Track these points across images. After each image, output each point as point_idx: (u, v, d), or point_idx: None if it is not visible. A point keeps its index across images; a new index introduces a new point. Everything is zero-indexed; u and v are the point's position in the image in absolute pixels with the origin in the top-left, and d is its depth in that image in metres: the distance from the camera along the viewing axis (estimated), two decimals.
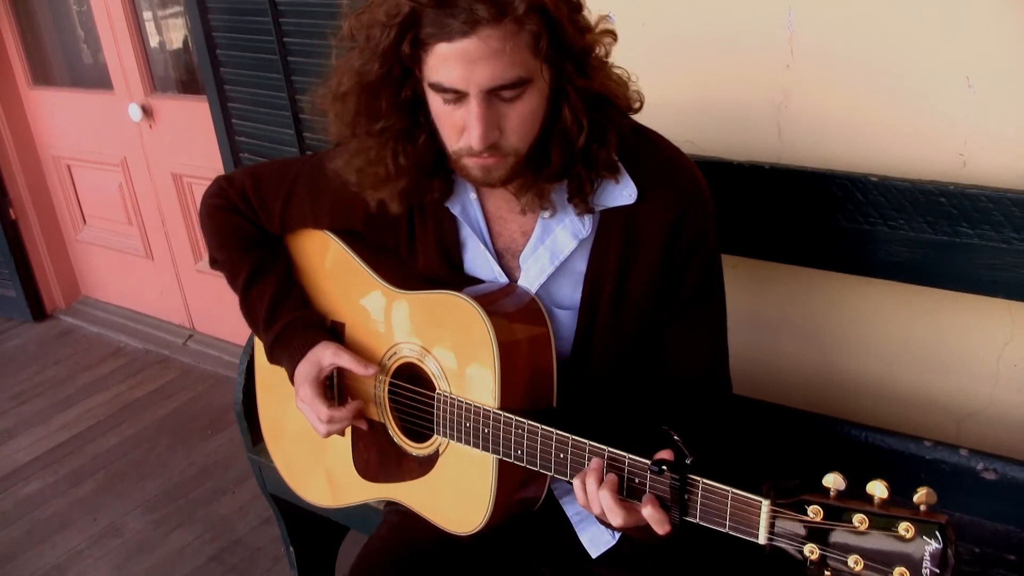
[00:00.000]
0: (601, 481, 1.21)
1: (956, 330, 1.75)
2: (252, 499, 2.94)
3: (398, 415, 1.53)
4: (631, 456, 1.20)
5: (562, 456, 1.27)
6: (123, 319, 4.31)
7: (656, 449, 1.18)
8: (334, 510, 1.81)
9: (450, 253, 1.46)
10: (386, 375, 1.52)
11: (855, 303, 1.85)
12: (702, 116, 1.89)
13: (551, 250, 1.39)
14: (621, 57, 1.32)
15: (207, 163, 3.40)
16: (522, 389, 1.36)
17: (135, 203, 3.97)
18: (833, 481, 1.01)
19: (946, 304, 1.71)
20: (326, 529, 2.36)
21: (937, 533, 0.94)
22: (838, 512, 1.00)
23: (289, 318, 1.58)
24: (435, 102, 1.25)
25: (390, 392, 1.52)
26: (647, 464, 1.18)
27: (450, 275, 1.47)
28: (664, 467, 1.15)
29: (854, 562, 0.99)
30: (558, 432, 1.27)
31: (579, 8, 1.25)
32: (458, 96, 1.21)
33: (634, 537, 1.26)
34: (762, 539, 1.07)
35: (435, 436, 1.45)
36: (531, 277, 1.41)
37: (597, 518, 1.25)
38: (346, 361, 1.50)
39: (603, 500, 1.20)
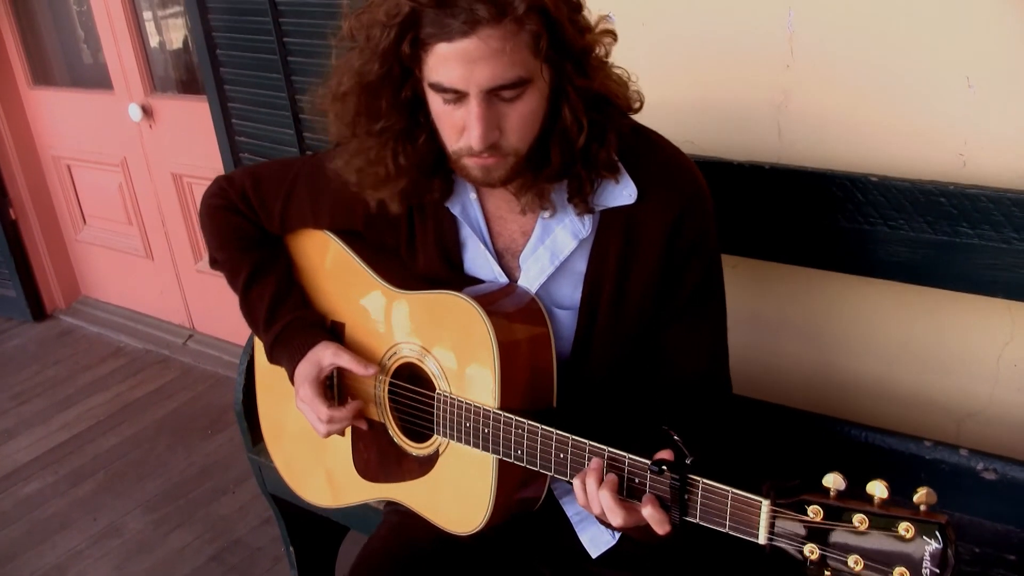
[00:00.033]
0: (601, 481, 1.21)
1: (956, 330, 1.75)
2: (252, 499, 2.94)
3: (398, 415, 1.53)
4: (631, 456, 1.20)
5: (562, 456, 1.27)
6: (123, 319, 4.31)
7: (656, 449, 1.18)
8: (334, 510, 1.81)
9: (450, 253, 1.46)
10: (386, 375, 1.52)
11: (855, 303, 1.85)
12: (702, 116, 1.89)
13: (551, 250, 1.39)
14: (621, 57, 1.32)
15: (207, 163, 3.40)
16: (522, 389, 1.35)
17: (135, 203, 3.97)
18: (833, 481, 1.01)
19: (946, 304, 1.71)
20: (326, 529, 2.36)
21: (937, 533, 0.94)
22: (838, 512, 1.00)
23: (289, 318, 1.58)
24: (435, 102, 1.25)
25: (390, 392, 1.52)
26: (647, 464, 1.18)
27: (450, 275, 1.47)
28: (664, 467, 1.15)
29: (854, 562, 0.99)
30: (558, 432, 1.27)
31: (579, 8, 1.25)
32: (458, 96, 1.20)
33: (634, 537, 1.26)
34: (762, 539, 1.07)
35: (435, 436, 1.45)
36: (531, 277, 1.41)
37: (597, 518, 1.25)
38: (346, 361, 1.50)
39: (603, 500, 1.20)
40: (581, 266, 1.40)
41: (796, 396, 1.90)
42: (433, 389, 1.43)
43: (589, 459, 1.24)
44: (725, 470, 1.14)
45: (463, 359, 1.39)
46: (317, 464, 1.70)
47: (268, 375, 1.76)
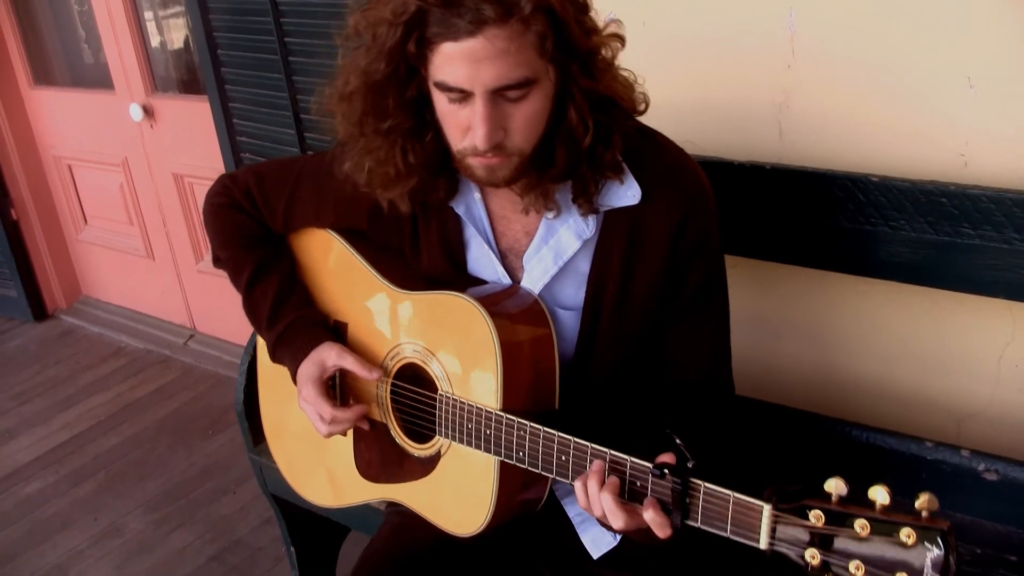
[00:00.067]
0: (603, 484, 1.21)
1: (957, 331, 1.74)
2: (253, 499, 2.94)
3: (400, 416, 1.53)
4: (633, 459, 1.20)
5: (564, 458, 1.27)
6: (124, 319, 4.31)
7: (658, 451, 1.18)
8: (335, 510, 1.81)
9: (454, 253, 1.46)
10: (388, 376, 1.52)
11: (856, 303, 1.85)
12: (703, 116, 1.89)
13: (555, 250, 1.39)
14: (622, 57, 1.32)
15: (208, 163, 3.40)
16: (525, 391, 1.35)
17: (136, 203, 3.97)
18: (835, 486, 1.01)
19: (947, 305, 1.71)
20: (327, 529, 2.36)
21: (939, 539, 0.93)
22: (840, 517, 1.00)
23: (292, 317, 1.58)
24: (440, 101, 1.25)
25: (392, 393, 1.52)
26: (649, 467, 1.18)
27: (453, 275, 1.47)
28: (666, 470, 1.15)
29: (855, 568, 0.99)
30: (560, 434, 1.27)
31: (586, 9, 1.25)
32: (463, 95, 1.20)
33: (635, 540, 1.26)
34: (763, 544, 1.07)
35: (437, 437, 1.45)
36: (534, 277, 1.41)
37: (598, 520, 1.25)
38: (350, 363, 1.50)
39: (604, 503, 1.20)
40: (585, 266, 1.40)
41: (797, 396, 1.90)
42: (435, 390, 1.43)
43: (591, 462, 1.24)
44: (727, 471, 1.14)
45: (466, 360, 1.39)
46: (319, 464, 1.70)
47: (270, 375, 1.76)
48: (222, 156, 3.17)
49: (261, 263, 1.63)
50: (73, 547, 2.85)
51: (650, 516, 1.16)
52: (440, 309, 1.42)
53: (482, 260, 1.46)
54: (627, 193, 1.33)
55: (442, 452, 1.46)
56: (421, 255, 1.50)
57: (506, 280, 1.44)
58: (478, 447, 1.37)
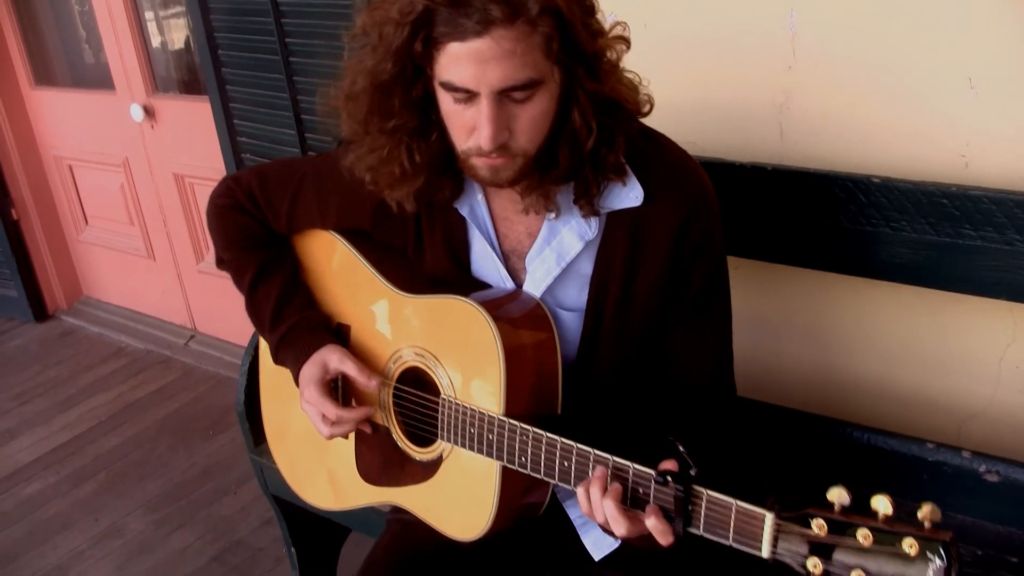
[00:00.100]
0: (605, 490, 1.21)
1: (958, 332, 1.74)
2: (254, 500, 2.94)
3: (402, 419, 1.53)
4: (635, 466, 1.20)
5: (566, 464, 1.27)
6: (125, 319, 4.31)
7: (660, 457, 1.18)
8: (336, 512, 1.81)
9: (458, 253, 1.46)
10: (391, 379, 1.52)
11: (857, 305, 1.85)
12: (704, 117, 1.89)
13: (557, 251, 1.39)
14: (624, 58, 1.32)
15: (209, 163, 3.40)
16: (527, 395, 1.35)
17: (137, 203, 3.97)
18: (837, 495, 1.00)
19: (948, 306, 1.71)
20: (328, 530, 2.36)
21: (941, 550, 0.93)
22: (842, 527, 0.99)
23: (295, 319, 1.58)
24: (445, 101, 1.25)
25: (395, 396, 1.52)
26: (652, 474, 1.17)
27: (457, 276, 1.46)
28: (669, 478, 1.14)
29: None
30: (563, 440, 1.26)
31: (592, 11, 1.24)
32: (469, 96, 1.20)
33: (637, 546, 1.25)
34: (765, 552, 1.06)
35: (439, 441, 1.45)
36: (537, 279, 1.41)
37: (600, 527, 1.25)
38: (351, 369, 1.49)
39: (607, 510, 1.19)
40: (587, 268, 1.39)
41: (797, 397, 1.90)
42: (438, 394, 1.43)
43: (593, 468, 1.23)
44: (728, 473, 1.14)
45: (469, 364, 1.38)
46: (320, 466, 1.70)
47: (272, 376, 1.76)
48: (223, 156, 3.17)
49: (264, 264, 1.62)
50: (74, 548, 2.85)
51: (652, 523, 1.16)
52: (443, 313, 1.42)
53: (485, 262, 1.46)
54: (630, 195, 1.33)
55: (444, 456, 1.45)
56: (425, 255, 1.49)
57: (509, 282, 1.44)
58: (480, 452, 1.36)
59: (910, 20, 1.61)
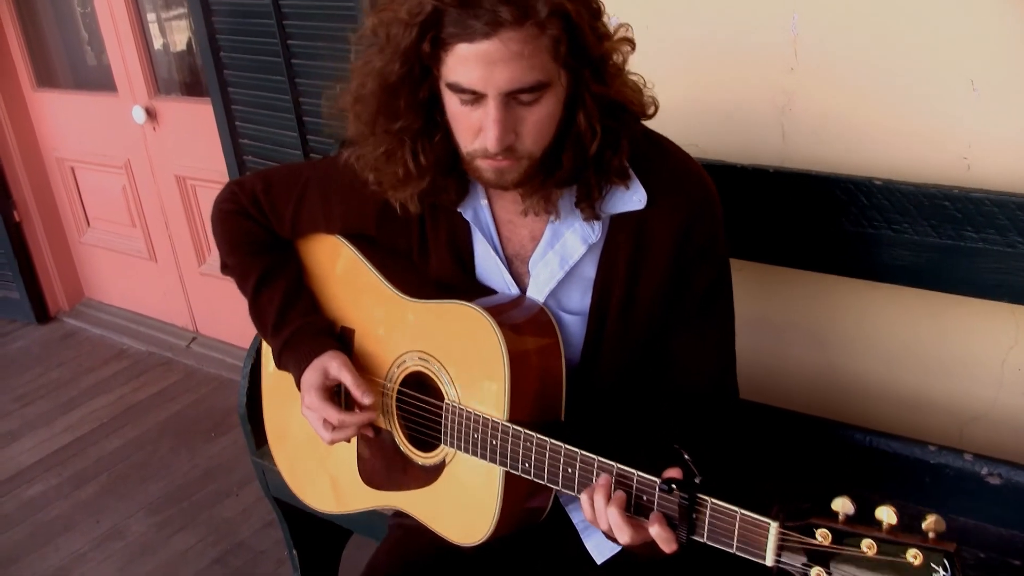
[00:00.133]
0: (609, 498, 1.20)
1: (960, 334, 1.74)
2: (255, 502, 2.94)
3: (405, 423, 1.52)
4: (640, 473, 1.19)
5: (570, 471, 1.27)
6: (126, 321, 4.31)
7: (664, 462, 1.18)
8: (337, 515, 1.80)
9: (462, 257, 1.46)
10: (394, 383, 1.52)
11: (859, 307, 1.85)
12: (705, 119, 1.89)
13: (560, 255, 1.38)
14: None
15: (211, 165, 3.40)
16: (531, 401, 1.35)
17: (139, 205, 3.98)
18: (842, 505, 1.00)
19: (950, 308, 1.71)
20: (329, 532, 2.36)
21: (945, 561, 0.93)
22: (846, 537, 0.99)
23: (298, 323, 1.58)
24: (452, 102, 1.25)
25: (398, 400, 1.52)
26: (656, 482, 1.17)
27: (461, 279, 1.46)
28: (674, 486, 1.14)
29: None
30: (567, 446, 1.26)
31: (599, 15, 1.24)
32: (476, 97, 1.20)
33: (640, 553, 1.25)
34: (769, 561, 1.06)
35: (442, 446, 1.45)
36: (540, 282, 1.40)
37: (604, 534, 1.24)
38: (348, 380, 1.49)
39: (611, 517, 1.19)
40: (590, 271, 1.39)
41: (799, 399, 1.89)
42: (441, 398, 1.43)
43: (597, 475, 1.23)
44: (731, 477, 1.13)
45: (473, 369, 1.38)
46: (321, 470, 1.70)
47: (274, 378, 1.76)
48: (224, 158, 3.17)
49: (268, 269, 1.62)
50: (75, 549, 2.85)
51: (656, 531, 1.16)
52: (448, 318, 1.41)
53: (489, 265, 1.46)
54: (633, 198, 1.33)
55: (447, 461, 1.45)
56: (429, 258, 1.49)
57: (512, 286, 1.44)
58: (483, 457, 1.36)
59: (912, 22, 1.61)
